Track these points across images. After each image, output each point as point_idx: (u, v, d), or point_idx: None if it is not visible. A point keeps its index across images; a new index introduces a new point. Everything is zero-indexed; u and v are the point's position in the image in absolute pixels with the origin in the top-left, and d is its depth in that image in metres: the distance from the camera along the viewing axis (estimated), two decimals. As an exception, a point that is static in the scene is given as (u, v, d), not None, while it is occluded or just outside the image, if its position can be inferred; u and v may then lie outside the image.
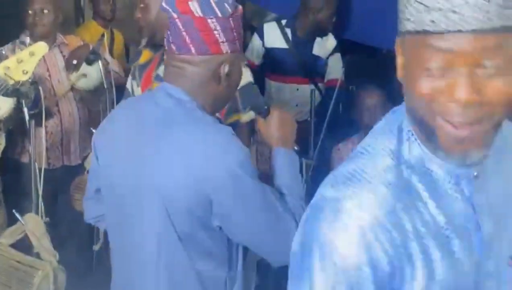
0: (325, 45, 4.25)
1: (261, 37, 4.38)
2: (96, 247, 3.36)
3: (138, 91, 2.74)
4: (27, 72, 2.54)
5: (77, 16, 5.80)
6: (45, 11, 3.54)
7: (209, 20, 1.64)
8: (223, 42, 1.67)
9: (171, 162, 1.61)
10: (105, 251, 3.05)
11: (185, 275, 1.69)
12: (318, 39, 4.24)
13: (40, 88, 2.98)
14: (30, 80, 2.73)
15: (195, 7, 1.64)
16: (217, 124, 1.68)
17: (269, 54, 4.39)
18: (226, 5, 1.67)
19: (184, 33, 1.65)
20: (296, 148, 1.93)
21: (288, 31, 4.25)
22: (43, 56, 3.51)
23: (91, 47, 3.39)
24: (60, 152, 3.67)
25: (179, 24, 1.65)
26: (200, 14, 1.63)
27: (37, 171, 3.02)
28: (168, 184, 1.61)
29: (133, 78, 2.78)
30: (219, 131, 1.65)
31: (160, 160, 1.62)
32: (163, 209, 1.63)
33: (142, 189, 1.66)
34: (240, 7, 1.73)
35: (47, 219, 3.01)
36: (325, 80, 4.30)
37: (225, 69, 1.69)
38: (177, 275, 1.69)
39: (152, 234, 1.67)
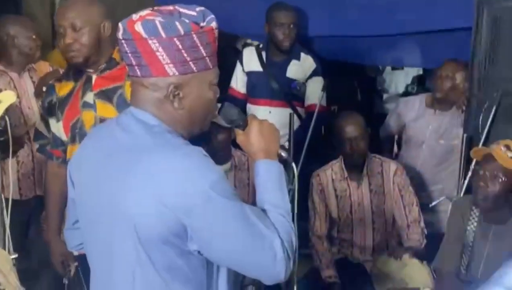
0: (302, 68, 4.19)
1: (241, 62, 4.36)
2: (66, 280, 3.26)
3: (59, 126, 2.70)
4: None
5: (54, 39, 5.72)
6: (35, 37, 3.49)
7: (150, 42, 1.58)
8: (167, 64, 1.60)
9: (141, 191, 1.56)
10: (77, 283, 2.96)
11: None
12: (294, 61, 4.18)
13: (7, 117, 2.88)
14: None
15: (139, 28, 1.59)
16: (186, 147, 1.61)
17: (249, 78, 4.35)
18: (177, 24, 1.59)
19: (129, 55, 1.62)
20: (284, 154, 1.83)
21: (264, 54, 4.19)
22: (13, 81, 3.46)
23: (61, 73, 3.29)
24: (32, 182, 3.57)
25: (125, 45, 1.62)
26: (143, 35, 1.58)
27: (3, 203, 2.91)
28: (139, 213, 1.56)
29: (50, 114, 2.73)
30: (187, 155, 1.58)
31: (130, 189, 1.58)
32: (136, 238, 1.58)
33: (114, 219, 1.62)
34: (212, 22, 1.65)
35: (15, 254, 2.89)
36: (305, 105, 4.24)
37: (174, 92, 1.63)
38: None
39: (126, 265, 1.62)
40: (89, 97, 2.65)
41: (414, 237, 3.33)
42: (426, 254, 3.31)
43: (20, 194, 3.52)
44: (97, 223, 1.69)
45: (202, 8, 1.68)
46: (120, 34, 1.63)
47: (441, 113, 3.81)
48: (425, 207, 3.58)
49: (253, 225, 1.58)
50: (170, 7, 1.66)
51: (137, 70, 1.63)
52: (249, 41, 5.17)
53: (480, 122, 3.30)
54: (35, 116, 3.50)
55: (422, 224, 3.39)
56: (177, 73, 1.61)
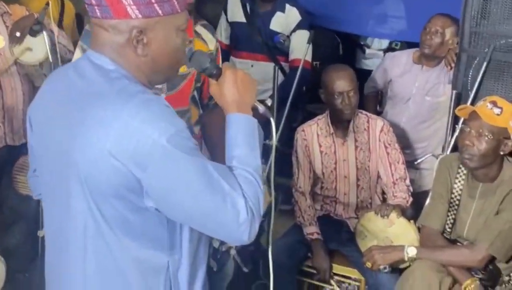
0: (286, 20, 4.06)
1: (225, 11, 4.22)
2: (41, 233, 3.17)
3: None
4: None
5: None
6: None
7: None
8: (130, 5, 1.49)
9: (90, 140, 1.46)
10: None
11: (116, 262, 1.54)
12: (278, 13, 4.05)
13: None
14: None
15: None
16: (143, 95, 1.49)
17: (232, 29, 4.23)
18: None
19: None
20: (260, 108, 1.72)
21: (249, 4, 4.06)
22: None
23: (36, 17, 3.14)
24: (2, 131, 3.42)
25: None
26: None
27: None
28: (88, 164, 1.46)
29: None
30: (144, 104, 1.46)
31: (80, 138, 1.48)
32: (86, 190, 1.49)
33: (66, 168, 1.52)
34: None
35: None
36: (289, 59, 4.12)
37: (138, 37, 1.52)
38: (106, 262, 1.54)
39: (79, 215, 1.53)
40: None
41: (400, 194, 3.26)
42: (411, 212, 3.26)
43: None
44: (51, 171, 1.61)
45: None
46: None
47: (428, 69, 3.72)
48: (409, 164, 3.52)
49: (214, 182, 1.48)
50: None
51: (97, 11, 1.51)
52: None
53: (469, 79, 3.23)
54: (7, 61, 3.34)
55: (408, 182, 3.32)
56: (140, 16, 1.50)
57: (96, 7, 1.51)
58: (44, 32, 3.11)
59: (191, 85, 2.69)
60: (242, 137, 1.61)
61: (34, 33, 3.12)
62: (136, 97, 1.47)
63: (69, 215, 1.55)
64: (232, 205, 1.48)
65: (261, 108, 1.74)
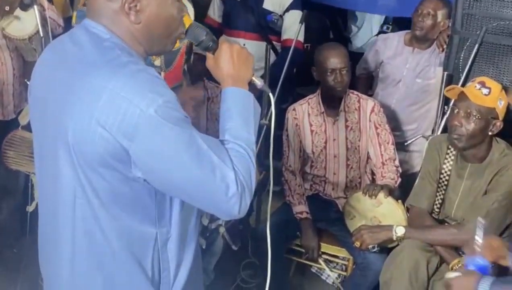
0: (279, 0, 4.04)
1: None
2: (30, 208, 3.16)
3: None
4: None
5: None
6: None
7: None
8: None
9: (79, 109, 1.45)
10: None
11: (103, 231, 1.54)
12: None
13: None
14: None
15: None
16: (134, 66, 1.48)
17: (225, 7, 4.20)
18: None
19: None
20: (259, 83, 1.71)
21: None
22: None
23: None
24: (-8, 107, 3.40)
25: None
26: None
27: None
28: (76, 132, 1.46)
29: None
30: (133, 74, 1.45)
31: (69, 106, 1.48)
32: (74, 158, 1.48)
33: (57, 135, 1.51)
34: None
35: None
36: (281, 39, 4.10)
37: (130, 3, 1.51)
38: (94, 231, 1.54)
39: (67, 187, 1.53)
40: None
41: (389, 175, 3.27)
42: (400, 193, 3.27)
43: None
44: (43, 139, 1.61)
45: None
46: None
47: (419, 52, 3.72)
48: (399, 145, 3.53)
49: (203, 154, 1.46)
50: None
51: None
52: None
53: (461, 60, 3.22)
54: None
55: (397, 162, 3.33)
56: None
57: None
58: (35, 6, 3.08)
59: (182, 59, 2.68)
60: (236, 111, 1.61)
61: (25, 7, 3.09)
62: (126, 68, 1.46)
63: (59, 183, 1.54)
64: (221, 178, 1.47)
65: (259, 83, 1.73)
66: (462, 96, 2.74)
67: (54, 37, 3.13)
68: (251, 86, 1.71)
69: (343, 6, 4.85)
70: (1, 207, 3.57)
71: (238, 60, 1.66)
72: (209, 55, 1.70)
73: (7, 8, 3.15)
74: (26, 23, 3.19)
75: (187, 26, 1.69)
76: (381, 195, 3.08)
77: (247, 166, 1.54)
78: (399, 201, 3.07)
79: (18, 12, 3.17)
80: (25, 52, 3.39)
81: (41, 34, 3.10)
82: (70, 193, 1.53)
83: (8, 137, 3.21)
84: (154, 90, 1.44)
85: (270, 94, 1.75)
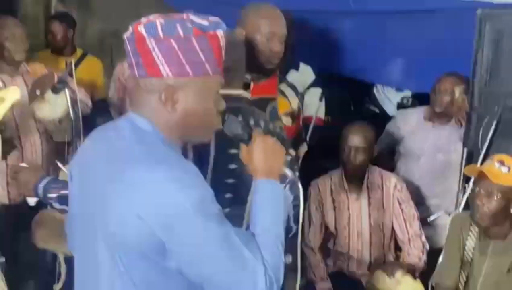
0: (300, 78, 4.15)
1: None
2: (57, 287, 3.19)
3: None
4: None
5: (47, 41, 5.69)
6: (25, 36, 3.45)
7: (147, 41, 1.54)
8: (162, 64, 1.55)
9: (120, 201, 1.51)
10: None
11: None
12: (292, 71, 4.14)
13: None
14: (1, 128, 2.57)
15: (141, 28, 1.56)
16: (173, 159, 1.55)
17: None
18: (178, 25, 1.55)
19: (130, 55, 1.59)
20: (289, 174, 1.76)
21: None
22: (5, 84, 3.39)
23: (55, 76, 3.23)
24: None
25: (128, 45, 1.59)
26: (143, 34, 1.55)
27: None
28: (116, 224, 1.52)
29: None
30: (172, 168, 1.52)
31: (110, 198, 1.53)
32: (114, 249, 1.54)
33: (97, 226, 1.58)
34: (219, 30, 1.60)
35: (3, 259, 2.82)
36: (302, 116, 4.19)
37: (168, 94, 1.57)
38: None
39: (107, 274, 1.58)
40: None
41: (414, 252, 3.29)
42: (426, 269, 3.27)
43: (8, 198, 3.43)
44: (83, 227, 1.66)
45: (217, 19, 1.64)
46: (125, 34, 1.60)
47: (439, 127, 3.78)
48: (422, 221, 3.54)
49: (235, 249, 1.51)
50: (184, 15, 1.62)
51: (135, 70, 1.59)
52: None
53: (480, 137, 3.27)
54: (26, 118, 3.43)
55: (423, 238, 3.35)
56: (171, 75, 1.56)
57: (134, 67, 1.58)
58: (66, 90, 3.20)
59: None
60: (268, 204, 1.66)
61: (56, 90, 3.20)
62: (166, 161, 1.52)
63: (97, 270, 1.60)
64: (252, 273, 1.52)
65: (289, 174, 1.78)
66: (482, 175, 2.76)
67: (83, 117, 3.24)
68: None
69: (359, 78, 4.93)
70: (28, 286, 3.61)
71: (271, 153, 1.72)
72: (243, 146, 1.78)
73: (38, 92, 3.27)
74: (56, 105, 3.30)
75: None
76: (399, 274, 3.08)
77: (276, 260, 1.58)
78: (417, 279, 3.06)
79: (48, 95, 3.28)
80: (54, 133, 3.51)
81: (72, 116, 3.21)
82: (108, 283, 1.58)
83: (37, 217, 3.28)
84: (191, 185, 1.50)
85: (299, 185, 1.81)
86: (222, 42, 1.61)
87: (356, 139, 3.30)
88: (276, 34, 2.55)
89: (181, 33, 1.54)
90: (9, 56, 3.46)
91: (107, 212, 1.53)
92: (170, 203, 1.47)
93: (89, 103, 3.53)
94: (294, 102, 2.82)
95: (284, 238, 1.64)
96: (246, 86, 2.71)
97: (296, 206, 1.90)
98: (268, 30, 2.50)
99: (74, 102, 3.27)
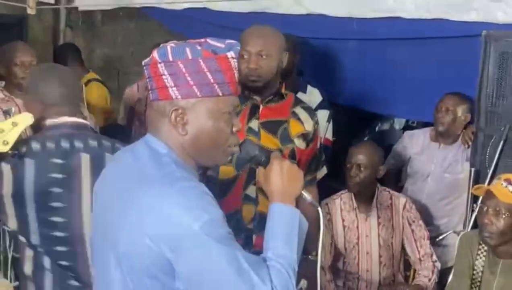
0: (308, 100, 4.17)
1: None
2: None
3: None
4: (7, 143, 2.39)
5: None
6: (34, 63, 3.49)
7: (159, 65, 1.61)
8: (171, 87, 1.60)
9: (130, 221, 1.56)
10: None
11: None
12: (300, 94, 4.16)
13: None
14: (11, 154, 2.59)
15: (155, 53, 1.63)
16: (185, 182, 1.57)
17: None
18: (187, 49, 1.60)
19: (147, 80, 1.66)
20: (308, 198, 1.76)
21: None
22: (19, 108, 3.44)
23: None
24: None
25: (145, 71, 1.66)
26: (156, 59, 1.61)
27: (6, 231, 2.86)
28: (126, 243, 1.56)
29: None
30: (183, 190, 1.55)
31: (123, 219, 1.58)
32: (123, 267, 1.58)
33: (109, 248, 1.62)
34: (229, 52, 1.63)
35: (17, 283, 2.84)
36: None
37: (177, 116, 1.62)
38: None
39: None
40: (254, 124, 2.75)
41: (424, 273, 3.31)
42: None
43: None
44: (101, 245, 1.70)
45: (233, 41, 1.68)
46: (144, 60, 1.66)
47: (445, 147, 3.82)
48: (431, 240, 3.55)
49: (243, 272, 1.52)
50: (202, 39, 1.67)
51: (151, 94, 1.65)
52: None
53: (487, 156, 3.29)
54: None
55: (434, 257, 3.37)
56: (179, 97, 1.60)
57: (150, 91, 1.65)
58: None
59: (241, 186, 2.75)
60: (281, 228, 1.65)
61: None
62: (178, 183, 1.55)
63: (109, 288, 1.64)
64: None
65: (308, 198, 1.77)
66: (489, 194, 2.79)
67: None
68: None
69: (363, 108, 4.95)
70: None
71: (288, 176, 1.71)
72: (260, 169, 1.79)
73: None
74: None
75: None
76: None
77: (286, 285, 1.57)
78: None
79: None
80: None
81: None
82: None
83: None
84: (201, 207, 1.52)
85: (319, 209, 1.80)
86: (234, 63, 1.64)
87: (359, 156, 3.34)
88: (249, 51, 2.63)
89: (189, 56, 1.59)
90: (17, 81, 3.51)
91: (119, 233, 1.57)
92: (179, 225, 1.50)
93: (97, 129, 3.58)
94: (309, 125, 2.83)
95: (297, 263, 1.64)
96: (254, 109, 2.77)
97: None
98: (243, 48, 2.56)
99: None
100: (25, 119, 2.47)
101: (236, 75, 1.66)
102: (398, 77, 4.11)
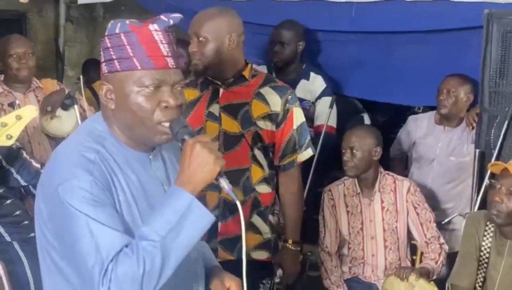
0: (311, 87, 4.14)
1: None
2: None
3: None
4: (11, 137, 2.37)
5: (57, 63, 5.76)
6: (29, 54, 3.47)
7: (101, 41, 1.66)
8: (103, 62, 1.64)
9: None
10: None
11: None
12: (303, 81, 4.14)
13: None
14: (14, 146, 2.58)
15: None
16: (77, 146, 1.60)
17: None
18: (119, 24, 1.62)
19: None
20: (226, 186, 1.58)
21: (274, 73, 4.16)
22: (18, 101, 3.42)
23: (67, 92, 3.26)
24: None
25: None
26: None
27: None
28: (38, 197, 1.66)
29: None
30: (71, 154, 1.59)
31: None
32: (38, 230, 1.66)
33: None
34: (152, 25, 1.61)
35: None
36: (314, 125, 4.19)
37: (106, 92, 1.64)
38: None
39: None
40: (215, 108, 2.71)
41: (430, 255, 3.27)
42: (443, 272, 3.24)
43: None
44: None
45: (177, 15, 1.66)
46: None
47: (450, 130, 3.77)
48: (438, 225, 3.51)
49: (86, 235, 1.50)
50: (158, 16, 1.67)
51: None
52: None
53: (492, 137, 3.25)
54: (40, 135, 3.46)
55: (442, 240, 3.33)
56: (106, 71, 1.63)
57: None
58: (75, 106, 3.22)
59: (247, 145, 2.72)
60: (162, 209, 1.54)
61: (66, 107, 3.23)
62: (70, 147, 1.63)
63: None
64: (89, 265, 1.49)
65: (226, 187, 1.59)
66: (505, 173, 2.74)
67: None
68: None
69: (362, 97, 4.87)
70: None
71: (195, 161, 1.55)
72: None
73: (49, 108, 3.30)
74: (65, 121, 3.32)
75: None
76: (412, 277, 3.06)
77: (128, 268, 1.48)
78: (432, 282, 3.04)
79: (59, 111, 3.31)
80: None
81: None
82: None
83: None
84: (69, 170, 1.55)
85: (237, 201, 1.61)
86: (158, 36, 1.61)
87: (351, 139, 3.33)
88: (190, 35, 2.63)
89: (117, 30, 1.62)
90: (13, 74, 3.50)
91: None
92: (49, 184, 1.57)
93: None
94: (276, 105, 2.71)
95: (173, 249, 1.51)
96: (215, 93, 2.73)
97: None
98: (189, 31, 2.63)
99: (83, 119, 3.29)
100: (30, 112, 2.45)
101: (164, 48, 1.62)
102: (400, 63, 4.07)
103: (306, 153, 2.82)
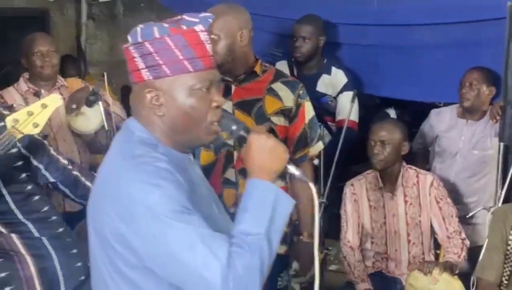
0: (333, 82, 4.15)
1: None
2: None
3: None
4: (37, 126, 2.40)
5: (79, 59, 5.80)
6: (52, 52, 3.50)
7: (130, 48, 1.61)
8: (142, 69, 1.59)
9: (96, 194, 1.63)
10: None
11: None
12: (324, 76, 4.14)
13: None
14: (41, 135, 2.61)
15: (129, 37, 1.63)
16: (143, 158, 1.56)
17: None
18: (155, 28, 1.58)
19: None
20: (296, 172, 1.65)
21: (295, 68, 4.17)
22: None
23: (91, 89, 3.29)
24: (61, 198, 3.54)
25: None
26: (129, 41, 1.62)
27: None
28: (94, 215, 1.63)
29: None
30: (139, 165, 1.55)
31: (96, 194, 1.64)
32: (97, 242, 1.63)
33: (89, 221, 1.66)
34: (197, 25, 1.60)
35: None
36: (336, 120, 4.19)
37: (152, 98, 1.60)
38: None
39: (96, 267, 1.67)
40: (228, 106, 2.67)
41: (453, 250, 3.25)
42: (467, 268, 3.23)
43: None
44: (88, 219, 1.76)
45: (208, 14, 1.65)
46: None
47: (473, 123, 3.75)
48: (461, 219, 3.49)
49: (194, 247, 1.48)
50: (179, 16, 1.65)
51: (129, 78, 1.65)
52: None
53: (516, 130, 3.23)
54: (65, 133, 3.50)
55: (463, 235, 3.32)
56: (151, 78, 1.59)
57: (129, 76, 1.65)
58: (100, 102, 3.25)
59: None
60: (253, 203, 1.58)
61: (90, 104, 3.26)
62: (134, 160, 1.56)
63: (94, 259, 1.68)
64: (205, 270, 1.48)
65: (296, 173, 1.66)
66: None
67: (118, 130, 3.29)
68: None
69: (385, 95, 4.84)
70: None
71: (267, 152, 1.61)
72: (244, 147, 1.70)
73: (74, 106, 3.34)
74: (91, 118, 3.36)
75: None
76: (435, 272, 3.05)
77: (247, 263, 1.50)
78: (455, 276, 3.03)
79: (84, 108, 3.34)
80: (91, 146, 3.56)
81: (106, 128, 3.26)
82: (97, 273, 1.67)
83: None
84: (152, 182, 1.51)
85: (311, 184, 1.68)
86: (204, 36, 1.61)
87: (382, 133, 3.31)
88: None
89: (156, 35, 1.58)
90: (37, 72, 3.53)
91: (92, 206, 1.63)
92: (130, 200, 1.50)
93: (124, 115, 3.58)
94: (289, 100, 2.72)
95: (264, 240, 1.54)
96: (227, 90, 2.73)
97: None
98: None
99: (108, 114, 3.32)
100: (55, 101, 2.48)
101: (209, 48, 1.62)
102: (422, 59, 4.04)
103: (317, 147, 2.86)
